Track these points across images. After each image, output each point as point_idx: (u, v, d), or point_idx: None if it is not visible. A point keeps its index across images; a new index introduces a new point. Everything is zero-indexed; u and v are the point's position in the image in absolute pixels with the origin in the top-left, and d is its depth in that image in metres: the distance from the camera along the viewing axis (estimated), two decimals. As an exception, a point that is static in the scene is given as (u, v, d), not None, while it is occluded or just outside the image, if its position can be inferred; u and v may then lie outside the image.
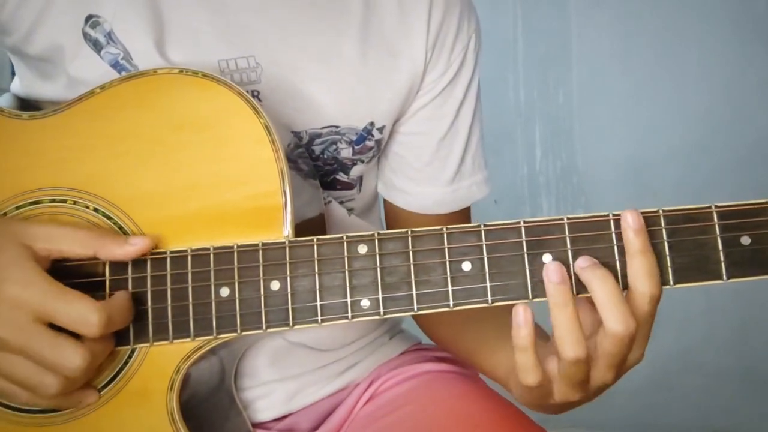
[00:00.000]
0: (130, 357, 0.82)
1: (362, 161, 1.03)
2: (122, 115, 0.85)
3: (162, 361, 0.81)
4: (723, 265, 0.78)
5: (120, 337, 0.81)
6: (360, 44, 0.99)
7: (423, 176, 1.07)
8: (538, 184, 2.96)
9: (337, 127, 0.99)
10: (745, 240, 0.78)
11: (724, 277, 0.78)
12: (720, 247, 0.78)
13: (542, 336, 0.92)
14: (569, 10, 2.93)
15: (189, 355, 0.81)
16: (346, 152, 1.01)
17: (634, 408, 2.68)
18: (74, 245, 0.79)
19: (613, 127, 2.90)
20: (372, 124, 1.01)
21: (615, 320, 0.75)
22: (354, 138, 1.00)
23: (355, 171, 1.04)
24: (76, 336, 0.77)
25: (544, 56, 2.97)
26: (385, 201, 1.11)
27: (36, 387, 0.77)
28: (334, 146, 1.00)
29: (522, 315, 0.76)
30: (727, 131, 2.76)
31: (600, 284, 0.76)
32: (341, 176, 1.03)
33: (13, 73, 1.02)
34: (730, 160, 2.71)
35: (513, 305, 0.79)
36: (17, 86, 1.01)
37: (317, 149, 0.99)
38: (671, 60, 2.83)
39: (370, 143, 1.02)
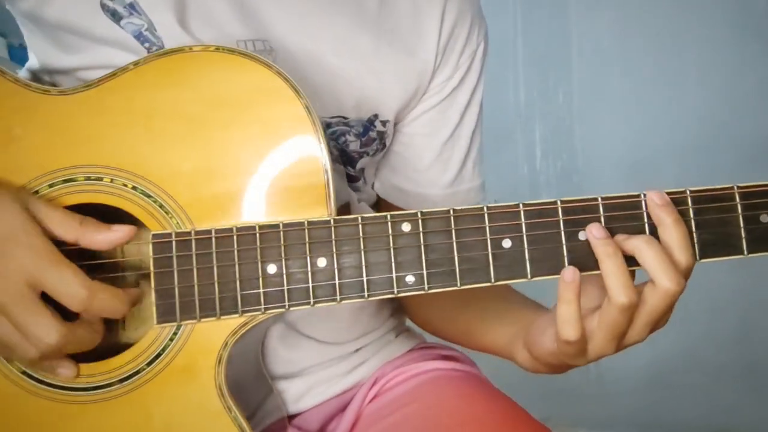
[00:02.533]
0: (175, 334, 0.82)
1: (368, 154, 1.04)
2: (157, 92, 0.84)
3: (209, 337, 0.82)
4: (744, 241, 0.82)
5: (166, 314, 0.82)
6: (374, 39, 1.00)
7: (423, 178, 1.08)
8: (538, 184, 2.97)
9: (345, 118, 1.00)
10: (764, 218, 0.83)
11: (745, 252, 0.82)
12: (741, 224, 0.82)
13: (540, 310, 0.94)
14: (569, 10, 2.94)
15: (236, 330, 0.82)
16: (354, 145, 1.02)
17: (636, 407, 2.68)
18: (59, 227, 0.80)
19: (613, 127, 2.91)
20: (376, 116, 1.02)
21: (667, 279, 0.79)
22: (361, 130, 1.00)
23: (361, 164, 1.05)
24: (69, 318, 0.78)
25: (544, 56, 2.98)
26: (380, 200, 1.12)
27: (14, 349, 0.78)
28: (343, 138, 1.00)
29: (570, 273, 0.80)
30: (726, 131, 2.77)
31: (646, 247, 0.80)
32: (348, 170, 1.05)
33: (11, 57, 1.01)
34: (730, 159, 2.72)
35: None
36: (33, 62, 1.00)
37: None
38: (671, 60, 2.84)
39: (372, 134, 1.02)
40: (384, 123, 1.03)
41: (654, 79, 2.86)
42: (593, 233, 0.80)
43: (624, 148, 2.89)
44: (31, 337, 0.77)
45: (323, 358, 1.04)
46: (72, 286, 0.77)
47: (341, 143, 1.01)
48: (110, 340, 0.87)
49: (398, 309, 1.14)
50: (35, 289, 0.77)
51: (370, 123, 1.01)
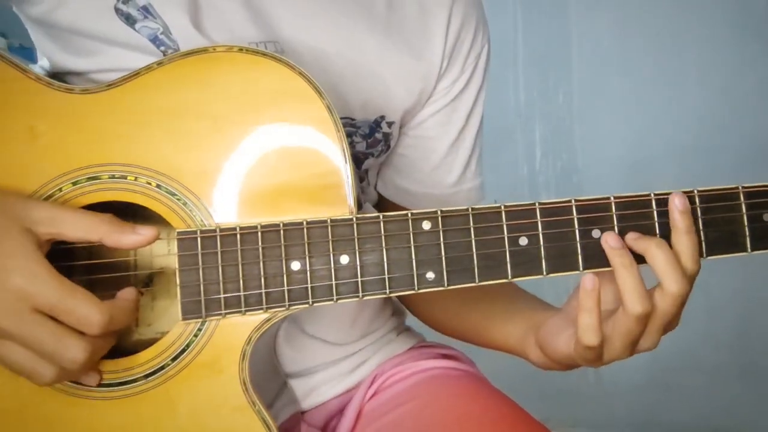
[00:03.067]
0: (200, 330, 0.83)
1: (373, 155, 1.05)
2: (181, 91, 0.84)
3: (233, 333, 0.83)
4: (748, 239, 0.85)
5: (191, 311, 0.82)
6: (381, 41, 1.01)
7: (429, 179, 1.09)
8: (538, 184, 2.98)
9: (352, 119, 1.00)
10: (767, 216, 0.86)
11: (749, 249, 0.86)
12: (745, 222, 0.85)
13: (548, 308, 0.96)
14: (569, 10, 2.94)
15: (260, 325, 0.83)
16: (360, 146, 1.02)
17: (635, 407, 2.69)
18: (78, 230, 0.79)
19: (613, 127, 2.91)
20: (382, 117, 1.02)
21: (674, 282, 0.81)
22: (367, 131, 1.00)
23: (366, 165, 1.06)
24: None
25: (544, 56, 2.98)
26: (382, 200, 1.13)
27: (30, 374, 0.77)
28: (350, 139, 1.01)
29: (590, 281, 0.81)
30: (726, 131, 2.77)
31: (657, 250, 0.82)
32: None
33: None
34: (730, 159, 2.72)
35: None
36: (45, 63, 0.99)
37: None
38: (671, 60, 2.84)
39: (378, 136, 1.03)
40: (390, 125, 1.03)
41: (654, 79, 2.86)
42: (609, 242, 0.83)
43: (624, 148, 2.89)
44: (60, 359, 0.76)
45: (327, 358, 1.05)
46: (88, 315, 0.76)
47: (348, 144, 1.01)
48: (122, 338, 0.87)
49: (399, 308, 1.15)
50: (45, 313, 0.76)
51: (376, 124, 1.02)
